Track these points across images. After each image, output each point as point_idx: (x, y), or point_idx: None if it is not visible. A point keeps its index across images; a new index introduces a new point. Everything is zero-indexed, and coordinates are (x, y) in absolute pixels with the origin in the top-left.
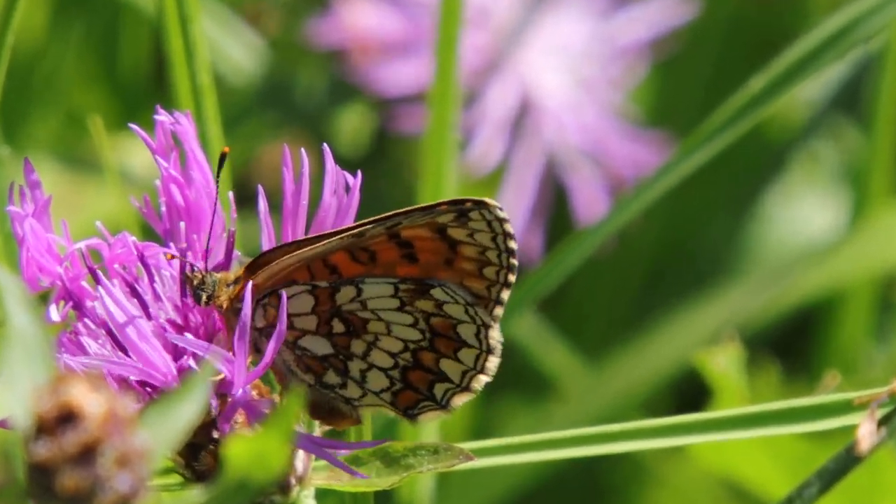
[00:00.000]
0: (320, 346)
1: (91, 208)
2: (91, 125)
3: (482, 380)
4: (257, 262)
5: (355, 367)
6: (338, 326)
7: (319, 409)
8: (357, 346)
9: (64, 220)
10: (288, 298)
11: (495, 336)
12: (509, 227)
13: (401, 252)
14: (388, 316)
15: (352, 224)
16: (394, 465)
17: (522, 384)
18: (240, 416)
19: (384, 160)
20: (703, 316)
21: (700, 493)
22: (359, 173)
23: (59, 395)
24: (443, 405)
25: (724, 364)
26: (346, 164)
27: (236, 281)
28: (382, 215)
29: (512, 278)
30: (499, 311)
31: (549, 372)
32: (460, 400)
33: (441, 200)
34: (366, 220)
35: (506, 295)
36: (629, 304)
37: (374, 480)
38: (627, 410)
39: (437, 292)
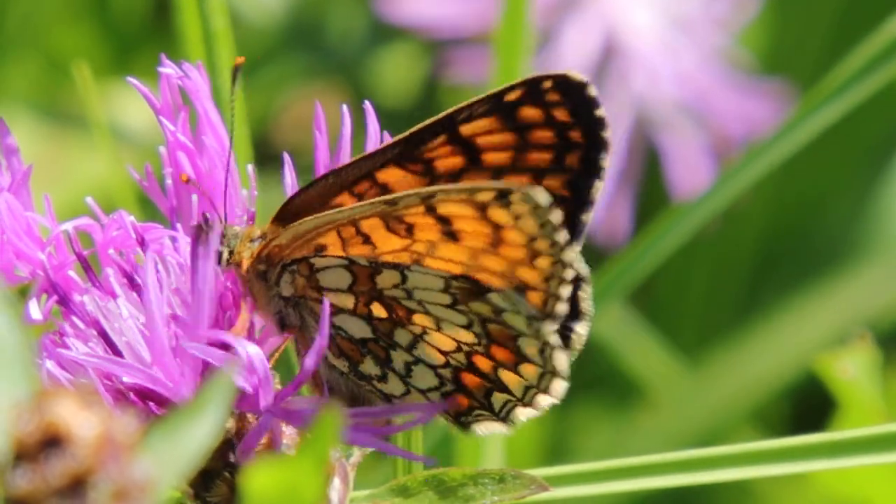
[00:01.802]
0: (358, 329)
1: (77, 175)
2: (76, 72)
3: (546, 401)
4: (287, 210)
5: (399, 358)
6: (378, 311)
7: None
8: (401, 337)
9: (46, 195)
10: (321, 270)
11: (562, 360)
12: (554, 217)
13: (440, 228)
14: (437, 311)
15: (379, 151)
16: (450, 497)
17: (606, 388)
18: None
19: (431, 114)
20: (826, 309)
21: None
22: None
23: (43, 413)
24: (502, 418)
25: (852, 370)
26: (389, 120)
27: (261, 237)
28: (410, 133)
29: (568, 274)
30: (559, 308)
31: (637, 374)
32: (523, 415)
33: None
34: (392, 144)
35: (564, 291)
36: (735, 295)
37: None
38: (733, 423)
39: (494, 298)
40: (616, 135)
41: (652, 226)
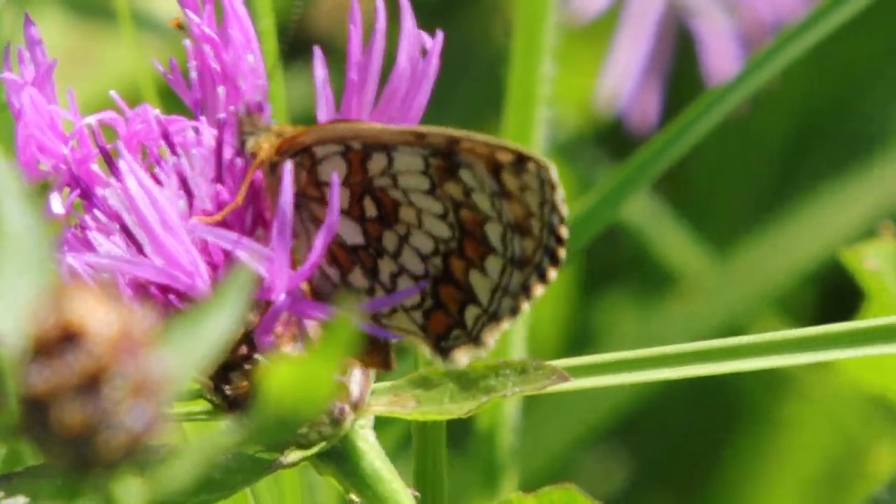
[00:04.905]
0: (351, 233)
1: (103, 68)
2: None
3: (507, 305)
4: (321, 127)
5: (385, 267)
6: (370, 208)
7: None
8: (389, 241)
9: (70, 89)
10: (321, 161)
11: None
12: (558, 198)
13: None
14: (419, 200)
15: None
16: (471, 388)
17: (633, 277)
18: (281, 330)
19: (467, 5)
20: (855, 199)
21: (849, 411)
22: (439, 35)
23: (60, 309)
24: (474, 337)
25: (877, 262)
26: (418, 10)
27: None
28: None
29: (555, 262)
30: (538, 288)
31: (666, 263)
32: (492, 334)
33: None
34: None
35: (552, 273)
36: (765, 184)
37: (447, 406)
38: (760, 311)
39: (465, 174)
40: (647, 21)
41: (683, 111)
